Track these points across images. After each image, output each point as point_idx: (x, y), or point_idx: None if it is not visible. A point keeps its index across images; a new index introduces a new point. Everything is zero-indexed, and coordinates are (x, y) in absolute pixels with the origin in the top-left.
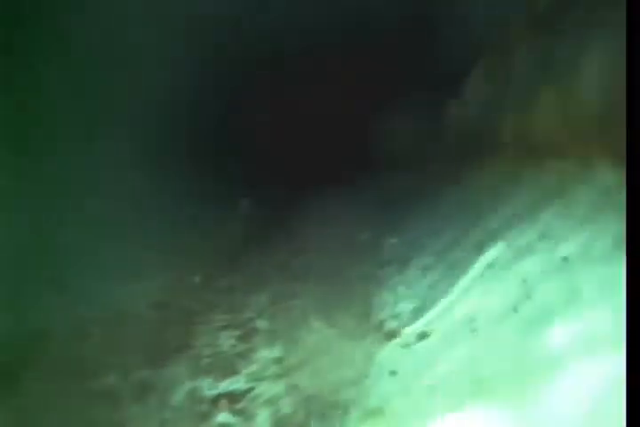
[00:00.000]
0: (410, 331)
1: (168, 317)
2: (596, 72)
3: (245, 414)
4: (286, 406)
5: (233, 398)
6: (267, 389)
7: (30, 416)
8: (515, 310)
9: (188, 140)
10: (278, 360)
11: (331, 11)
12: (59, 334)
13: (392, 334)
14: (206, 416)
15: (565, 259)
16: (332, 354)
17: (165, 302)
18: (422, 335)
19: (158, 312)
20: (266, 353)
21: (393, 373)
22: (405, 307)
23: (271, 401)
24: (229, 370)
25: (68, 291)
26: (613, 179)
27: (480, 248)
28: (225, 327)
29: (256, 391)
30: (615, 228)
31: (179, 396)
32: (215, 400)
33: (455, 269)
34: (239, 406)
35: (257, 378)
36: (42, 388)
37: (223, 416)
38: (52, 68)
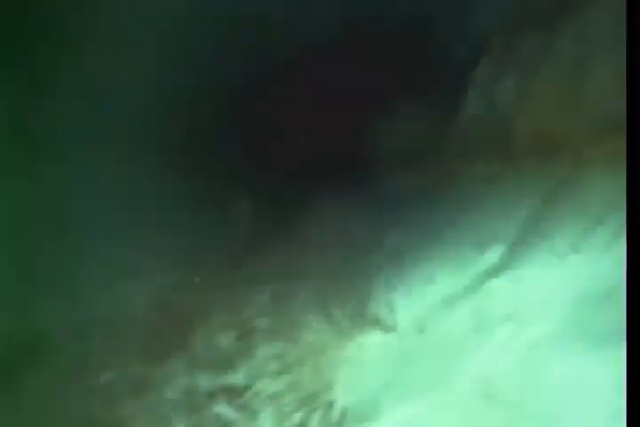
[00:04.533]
0: (408, 328)
1: (167, 316)
2: (599, 72)
3: (246, 410)
4: (286, 403)
5: (231, 393)
6: (266, 386)
7: (30, 415)
8: (515, 308)
9: (188, 140)
10: (278, 358)
11: (331, 10)
12: (58, 333)
13: (390, 331)
14: (204, 411)
15: (565, 259)
16: (330, 352)
17: (165, 301)
18: (420, 331)
19: (158, 312)
20: (265, 351)
21: (390, 367)
22: (403, 304)
23: (272, 398)
24: (228, 368)
25: (67, 290)
26: (614, 180)
27: (480, 247)
28: (224, 327)
29: (256, 388)
30: (616, 228)
31: (177, 392)
32: (213, 395)
33: (455, 267)
34: (239, 402)
35: (257, 375)
36: (41, 386)
37: (221, 410)
38: (53, 69)
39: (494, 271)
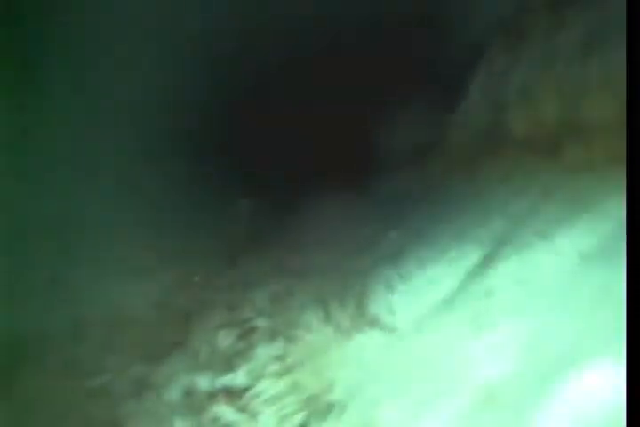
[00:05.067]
0: (408, 327)
1: (167, 316)
2: (600, 71)
3: (247, 412)
4: (286, 404)
5: (231, 394)
6: (266, 386)
7: (29, 415)
8: (514, 307)
9: (189, 140)
10: (278, 358)
11: (332, 11)
12: (58, 333)
13: (389, 330)
14: (204, 413)
15: (565, 258)
16: (330, 352)
17: (165, 301)
18: (420, 331)
19: (158, 312)
20: (265, 351)
21: (388, 367)
22: (403, 303)
23: (272, 398)
24: (228, 367)
25: (67, 291)
26: (616, 179)
27: (480, 246)
28: (224, 326)
29: (256, 389)
30: (617, 229)
31: (177, 393)
32: (213, 396)
33: (454, 266)
34: (239, 403)
35: (256, 376)
36: (41, 386)
37: (221, 411)
38: (52, 68)
39: (495, 270)
